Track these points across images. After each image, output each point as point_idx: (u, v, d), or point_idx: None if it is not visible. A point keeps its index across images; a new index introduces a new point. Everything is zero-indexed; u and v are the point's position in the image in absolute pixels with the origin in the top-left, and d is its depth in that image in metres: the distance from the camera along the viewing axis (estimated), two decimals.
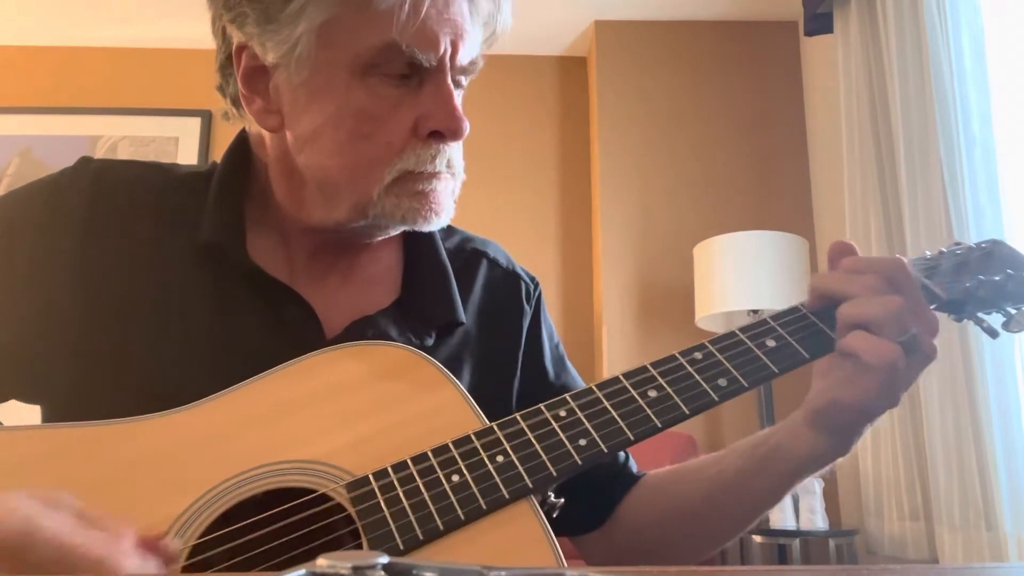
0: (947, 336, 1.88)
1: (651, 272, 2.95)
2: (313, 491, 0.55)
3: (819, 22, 2.69)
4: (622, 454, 0.82)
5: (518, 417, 0.59)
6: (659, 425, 0.59)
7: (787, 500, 2.24)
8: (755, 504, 0.72)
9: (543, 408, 0.60)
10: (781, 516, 2.29)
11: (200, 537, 0.53)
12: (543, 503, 0.56)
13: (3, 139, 3.17)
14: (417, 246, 0.81)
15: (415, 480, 0.55)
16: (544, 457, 0.56)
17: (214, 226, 0.73)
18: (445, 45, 0.68)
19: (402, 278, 0.80)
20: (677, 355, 0.63)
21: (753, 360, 0.63)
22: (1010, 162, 1.96)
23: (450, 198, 0.73)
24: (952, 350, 1.90)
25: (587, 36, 3.24)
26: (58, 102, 3.21)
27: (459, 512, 0.53)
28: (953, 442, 1.92)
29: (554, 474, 0.56)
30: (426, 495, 0.54)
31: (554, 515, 0.58)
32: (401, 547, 0.51)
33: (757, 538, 2.33)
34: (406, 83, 0.68)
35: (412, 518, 0.53)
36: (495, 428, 0.58)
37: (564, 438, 0.58)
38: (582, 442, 0.57)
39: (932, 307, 0.66)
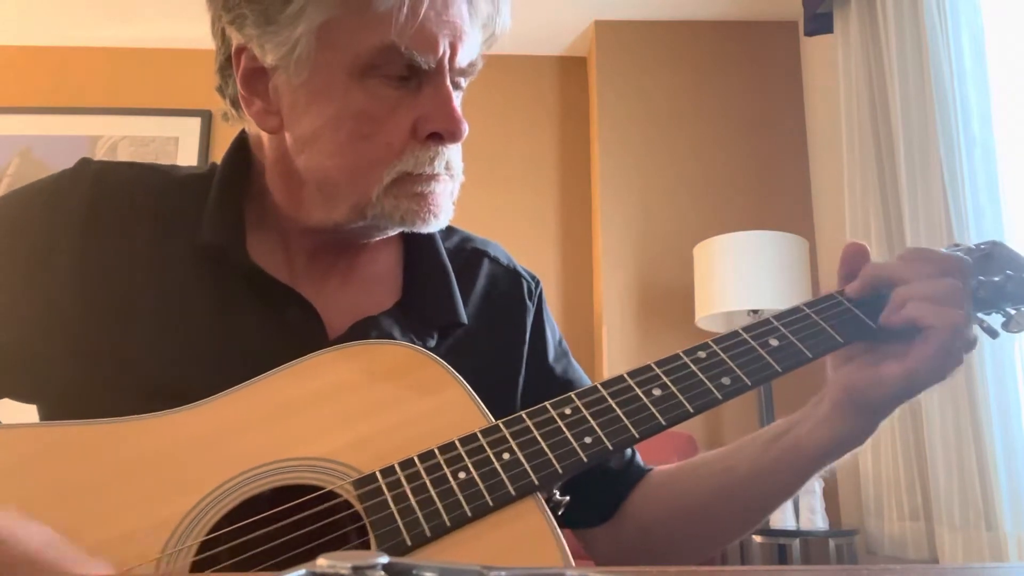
0: None
1: (651, 272, 2.95)
2: (320, 488, 0.55)
3: (819, 22, 2.69)
4: (628, 450, 0.82)
5: (524, 415, 0.59)
6: (664, 423, 0.59)
7: (788, 500, 2.23)
8: (768, 500, 0.73)
9: (549, 406, 0.60)
10: (781, 516, 2.29)
11: (207, 534, 0.53)
12: (549, 500, 0.57)
13: (3, 139, 3.17)
14: (417, 247, 0.81)
15: (422, 477, 0.55)
16: (550, 455, 0.57)
17: (214, 227, 0.73)
18: (444, 47, 0.68)
19: (403, 279, 0.80)
20: (681, 354, 0.64)
21: (756, 359, 0.63)
22: (1010, 162, 1.96)
23: (449, 200, 0.73)
24: None
25: (587, 36, 3.25)
26: (58, 102, 3.21)
27: (466, 509, 0.53)
28: (953, 442, 1.92)
29: (560, 471, 0.56)
30: (433, 492, 0.54)
31: (559, 512, 0.58)
32: (408, 543, 0.51)
33: (757, 538, 2.33)
34: (405, 85, 0.68)
35: (419, 515, 0.53)
36: (501, 426, 0.59)
37: (570, 436, 0.58)
38: (588, 440, 0.58)
39: None
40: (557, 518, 0.55)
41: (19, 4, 3.03)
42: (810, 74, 3.10)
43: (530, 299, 0.85)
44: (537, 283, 0.88)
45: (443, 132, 0.69)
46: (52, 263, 0.70)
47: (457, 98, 0.72)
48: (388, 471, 0.56)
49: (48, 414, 0.71)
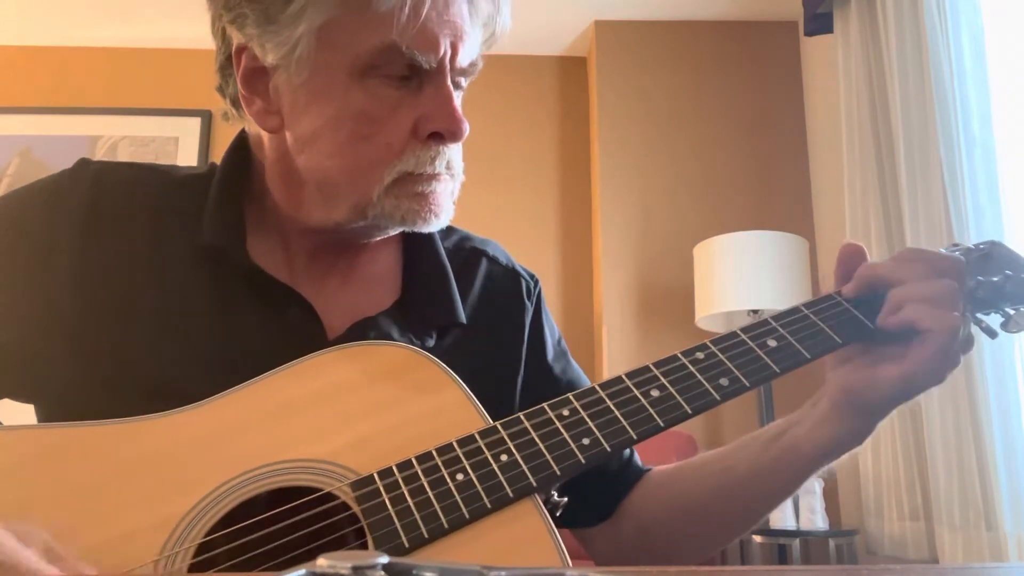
0: None
1: (651, 272, 2.95)
2: (318, 490, 0.55)
3: (819, 22, 2.69)
4: (626, 451, 0.82)
5: (522, 416, 0.59)
6: (662, 424, 0.59)
7: (787, 500, 2.24)
8: (767, 499, 0.73)
9: (546, 407, 0.60)
10: (781, 516, 2.29)
11: (205, 536, 0.53)
12: (547, 501, 0.57)
13: (3, 139, 3.17)
14: (416, 246, 0.81)
15: (420, 479, 0.55)
16: (548, 456, 0.57)
17: (214, 227, 0.73)
18: (445, 47, 0.68)
19: (402, 279, 0.80)
20: (679, 355, 0.64)
21: (755, 360, 0.63)
22: (1010, 162, 1.96)
23: (449, 199, 0.73)
24: None
25: (587, 36, 3.25)
26: (58, 102, 3.21)
27: (464, 511, 0.53)
28: (953, 442, 1.92)
29: (558, 473, 0.56)
30: (431, 494, 0.54)
31: (558, 513, 0.58)
32: (406, 545, 0.51)
33: (757, 538, 2.33)
34: (406, 85, 0.68)
35: (417, 516, 0.53)
36: (499, 427, 0.59)
37: (568, 437, 0.58)
38: (585, 441, 0.58)
39: None
40: (555, 519, 0.55)
41: (19, 4, 3.03)
42: (810, 74, 3.10)
43: (529, 299, 0.85)
44: (536, 282, 0.88)
45: (444, 132, 0.69)
46: (52, 263, 0.70)
47: (458, 98, 0.72)
48: (386, 473, 0.56)
49: (47, 414, 0.71)
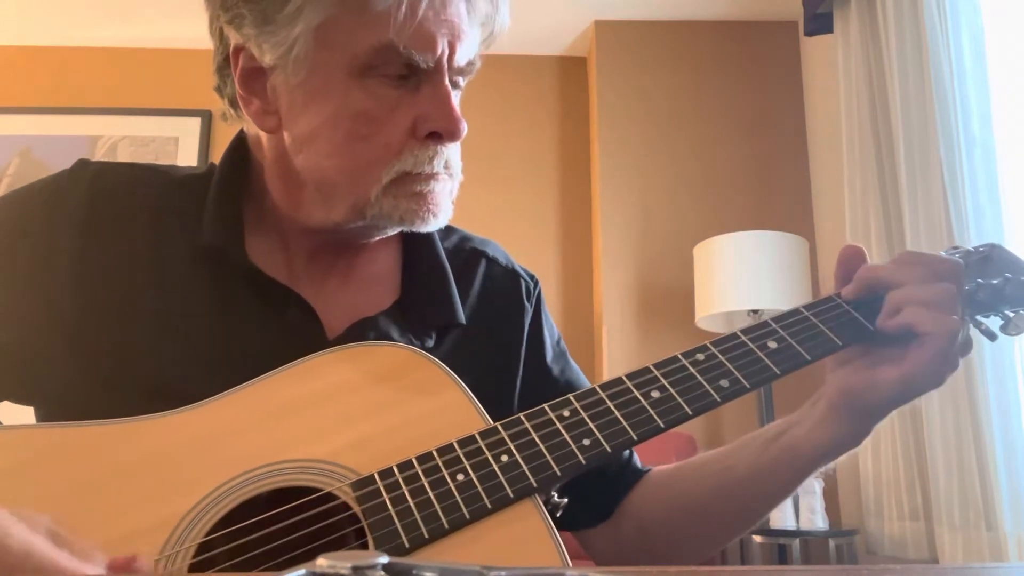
0: None
1: (651, 272, 2.95)
2: (318, 490, 0.56)
3: (819, 22, 2.69)
4: (626, 452, 0.82)
5: (522, 417, 0.60)
6: (662, 425, 0.59)
7: (787, 500, 2.24)
8: (766, 499, 0.73)
9: (547, 408, 0.60)
10: (781, 516, 2.30)
11: (205, 536, 0.53)
12: (547, 502, 0.57)
13: (3, 139, 3.17)
14: (416, 246, 0.81)
15: (420, 479, 0.55)
16: (548, 457, 0.57)
17: (213, 228, 0.73)
18: (442, 46, 0.68)
19: (401, 279, 0.80)
20: (679, 356, 0.64)
21: (755, 362, 0.63)
22: (1010, 162, 1.96)
23: (448, 199, 0.73)
24: None
25: (587, 36, 3.25)
26: (58, 102, 3.21)
27: (464, 511, 0.53)
28: (953, 442, 1.92)
29: (558, 473, 0.56)
30: (431, 494, 0.54)
31: (558, 514, 0.58)
32: (407, 545, 0.51)
33: (757, 538, 2.33)
34: (404, 84, 0.68)
35: (417, 517, 0.53)
36: (499, 428, 0.59)
37: (568, 438, 0.58)
38: (586, 442, 0.58)
39: None
40: (555, 520, 0.55)
41: (19, 4, 3.03)
42: (810, 74, 3.10)
43: (528, 299, 0.85)
44: (536, 283, 0.88)
45: (442, 131, 0.69)
46: (52, 263, 0.70)
47: (456, 97, 0.71)
48: (386, 473, 0.56)
49: (47, 415, 0.71)
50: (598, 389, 0.62)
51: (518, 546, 0.53)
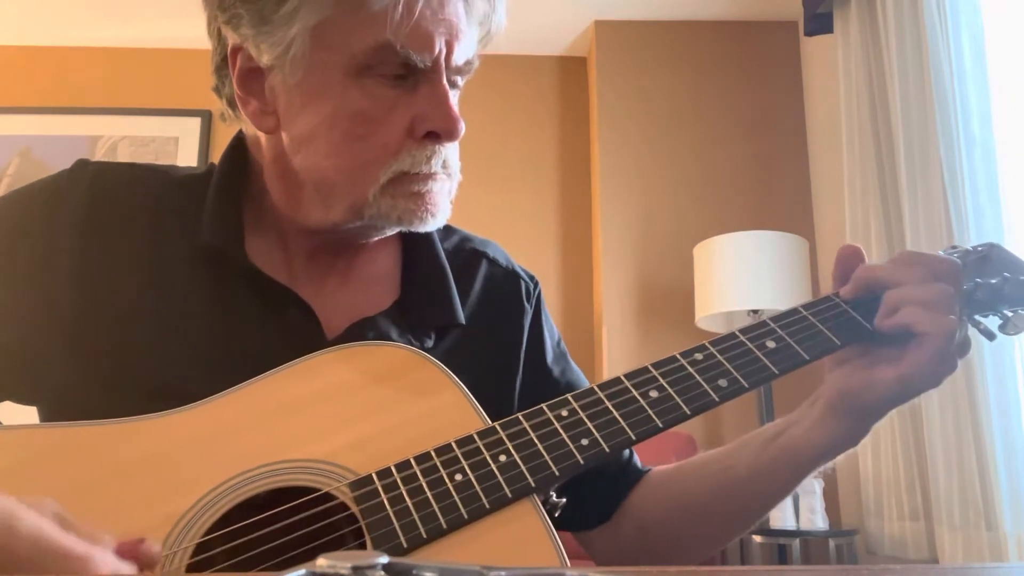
0: None
1: (651, 272, 2.95)
2: (316, 490, 0.55)
3: (819, 22, 2.69)
4: (626, 452, 0.82)
5: (520, 417, 0.59)
6: (660, 425, 0.59)
7: (787, 500, 2.24)
8: (766, 499, 0.73)
9: (545, 408, 0.60)
10: (781, 516, 2.29)
11: (203, 536, 0.53)
12: (545, 502, 0.57)
13: (3, 139, 3.17)
14: (415, 247, 0.81)
15: (418, 479, 0.55)
16: (546, 456, 0.57)
17: (213, 228, 0.73)
18: (440, 46, 0.68)
19: (401, 279, 0.80)
20: (678, 356, 0.64)
21: (753, 361, 0.63)
22: (1010, 162, 1.96)
23: (446, 199, 0.73)
24: None
25: (587, 36, 3.25)
26: (58, 102, 3.21)
27: (462, 511, 0.53)
28: (953, 442, 1.92)
29: (556, 473, 0.56)
30: (429, 494, 0.54)
31: (556, 514, 0.58)
32: (405, 545, 0.51)
33: (757, 538, 2.33)
34: (401, 84, 0.68)
35: (415, 517, 0.53)
36: (498, 428, 0.59)
37: (566, 438, 0.58)
38: (584, 442, 0.58)
39: None
40: (554, 521, 0.55)
41: (19, 4, 3.03)
42: (810, 74, 3.10)
43: (528, 300, 0.85)
44: (536, 284, 0.88)
45: (440, 131, 0.69)
46: (51, 263, 0.70)
47: (454, 97, 0.71)
48: (384, 473, 0.56)
49: (48, 415, 0.71)
50: (596, 389, 0.61)
51: (516, 546, 0.53)
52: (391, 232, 0.77)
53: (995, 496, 1.81)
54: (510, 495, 0.54)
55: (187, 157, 3.18)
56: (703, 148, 3.06)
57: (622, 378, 0.62)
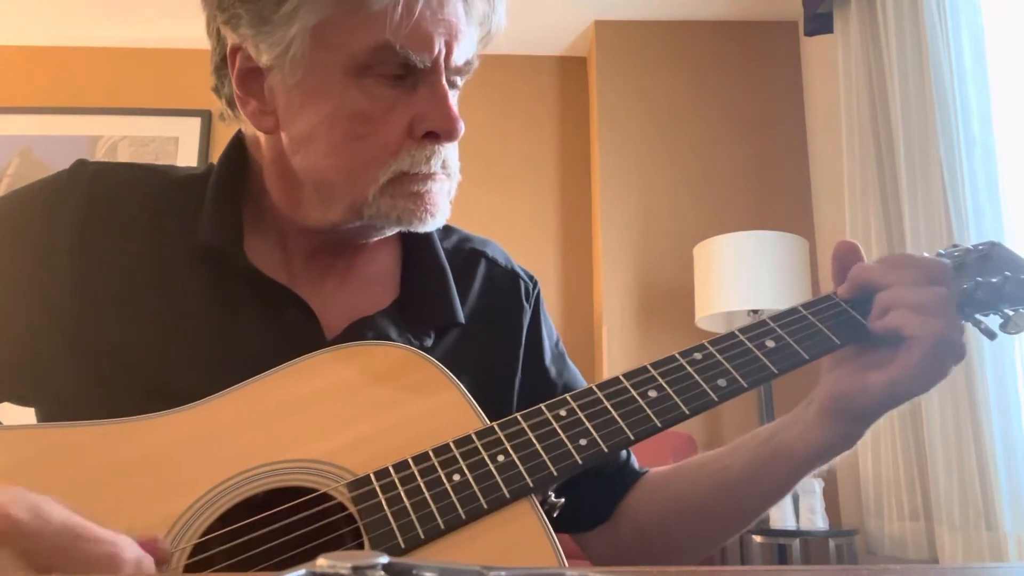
0: None
1: (651, 272, 2.95)
2: (314, 490, 0.55)
3: (819, 22, 2.69)
4: (623, 452, 0.82)
5: (519, 417, 0.59)
6: (659, 425, 0.59)
7: (787, 500, 2.25)
8: (762, 500, 0.73)
9: (543, 408, 0.60)
10: (781, 516, 2.29)
11: (201, 536, 0.53)
12: (544, 503, 0.57)
13: (3, 139, 3.17)
14: (415, 246, 0.81)
15: (416, 479, 0.55)
16: (545, 457, 0.56)
17: (212, 228, 0.73)
18: (439, 46, 0.68)
19: (400, 279, 0.80)
20: (677, 355, 0.64)
21: (753, 361, 0.63)
22: (1010, 162, 1.96)
23: (446, 199, 0.73)
24: None
25: (587, 36, 3.24)
26: (58, 102, 3.21)
27: (460, 511, 0.53)
28: (953, 442, 1.92)
29: (555, 474, 0.56)
30: (427, 494, 0.54)
31: (554, 515, 0.58)
32: (402, 546, 0.51)
33: (757, 538, 2.33)
34: (401, 84, 0.68)
35: (413, 517, 0.53)
36: (496, 428, 0.59)
37: (565, 438, 0.58)
38: (582, 442, 0.58)
39: None
40: (552, 522, 0.55)
41: (19, 4, 3.03)
42: (810, 74, 3.10)
43: (527, 300, 0.85)
44: (535, 284, 0.88)
45: (439, 131, 0.69)
46: (51, 264, 0.70)
47: (453, 97, 0.71)
48: (382, 473, 0.56)
49: (47, 415, 0.71)
50: (595, 389, 0.61)
51: (514, 546, 0.53)
52: (390, 232, 0.77)
53: (995, 496, 1.81)
54: (508, 495, 0.54)
55: (187, 157, 3.18)
56: (703, 148, 3.06)
57: (621, 378, 0.62)
